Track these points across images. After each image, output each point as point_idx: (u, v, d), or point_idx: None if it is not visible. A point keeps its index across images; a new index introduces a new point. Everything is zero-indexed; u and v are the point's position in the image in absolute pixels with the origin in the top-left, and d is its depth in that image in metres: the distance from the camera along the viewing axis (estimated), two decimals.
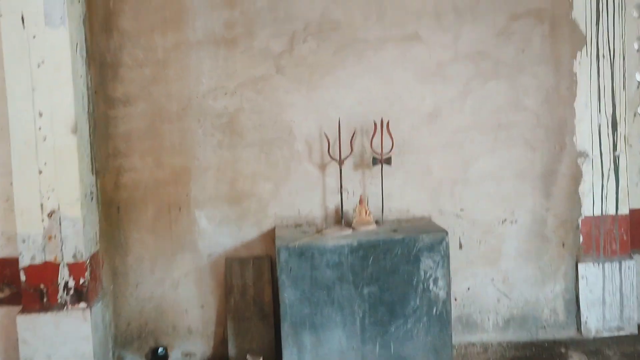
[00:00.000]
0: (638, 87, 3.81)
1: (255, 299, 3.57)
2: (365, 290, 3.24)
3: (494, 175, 3.71)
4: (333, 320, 3.24)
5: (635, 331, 3.71)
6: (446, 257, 3.26)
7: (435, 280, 3.26)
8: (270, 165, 3.61)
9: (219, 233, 3.63)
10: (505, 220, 3.73)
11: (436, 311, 3.26)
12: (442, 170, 3.69)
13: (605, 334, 3.70)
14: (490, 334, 3.74)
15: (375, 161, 3.53)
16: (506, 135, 3.70)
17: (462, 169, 3.70)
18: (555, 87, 3.67)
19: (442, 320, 3.27)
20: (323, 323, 3.24)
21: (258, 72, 3.57)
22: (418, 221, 3.61)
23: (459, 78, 3.66)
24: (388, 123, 3.52)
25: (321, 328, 3.24)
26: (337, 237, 3.30)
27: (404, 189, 3.68)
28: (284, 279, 3.21)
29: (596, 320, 3.71)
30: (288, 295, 3.21)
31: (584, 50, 3.65)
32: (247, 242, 3.64)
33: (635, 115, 3.82)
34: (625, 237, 3.74)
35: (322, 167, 3.62)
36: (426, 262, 3.25)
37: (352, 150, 3.56)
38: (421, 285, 3.26)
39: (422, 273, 3.25)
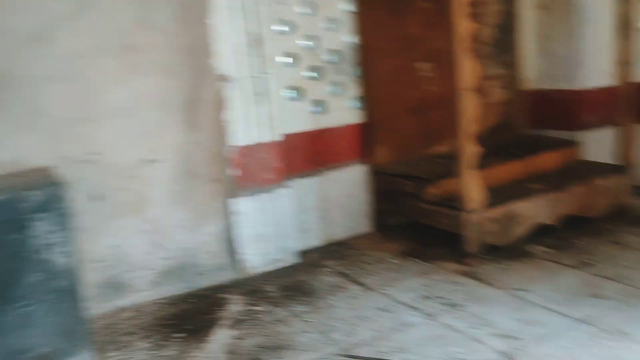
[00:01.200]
0: (279, 3, 3.55)
1: None
2: None
3: (128, 108, 3.11)
4: None
5: (295, 260, 3.60)
6: (67, 215, 2.58)
7: (56, 247, 2.58)
8: None
9: None
10: (148, 160, 3.19)
11: (61, 284, 2.60)
12: (61, 108, 2.95)
13: (266, 269, 3.49)
14: (145, 293, 3.23)
15: None
16: (138, 60, 3.10)
17: (87, 104, 3.01)
18: (187, 1, 3.17)
19: (70, 293, 2.61)
20: None
21: None
22: (33, 174, 2.82)
23: None
24: None
25: None
26: None
27: (11, 135, 2.85)
28: None
29: (255, 257, 3.47)
30: None
31: None
32: None
33: (280, 33, 3.56)
34: (278, 165, 3.53)
35: None
36: (40, 226, 2.54)
37: None
38: (36, 257, 2.54)
39: (35, 241, 2.53)
